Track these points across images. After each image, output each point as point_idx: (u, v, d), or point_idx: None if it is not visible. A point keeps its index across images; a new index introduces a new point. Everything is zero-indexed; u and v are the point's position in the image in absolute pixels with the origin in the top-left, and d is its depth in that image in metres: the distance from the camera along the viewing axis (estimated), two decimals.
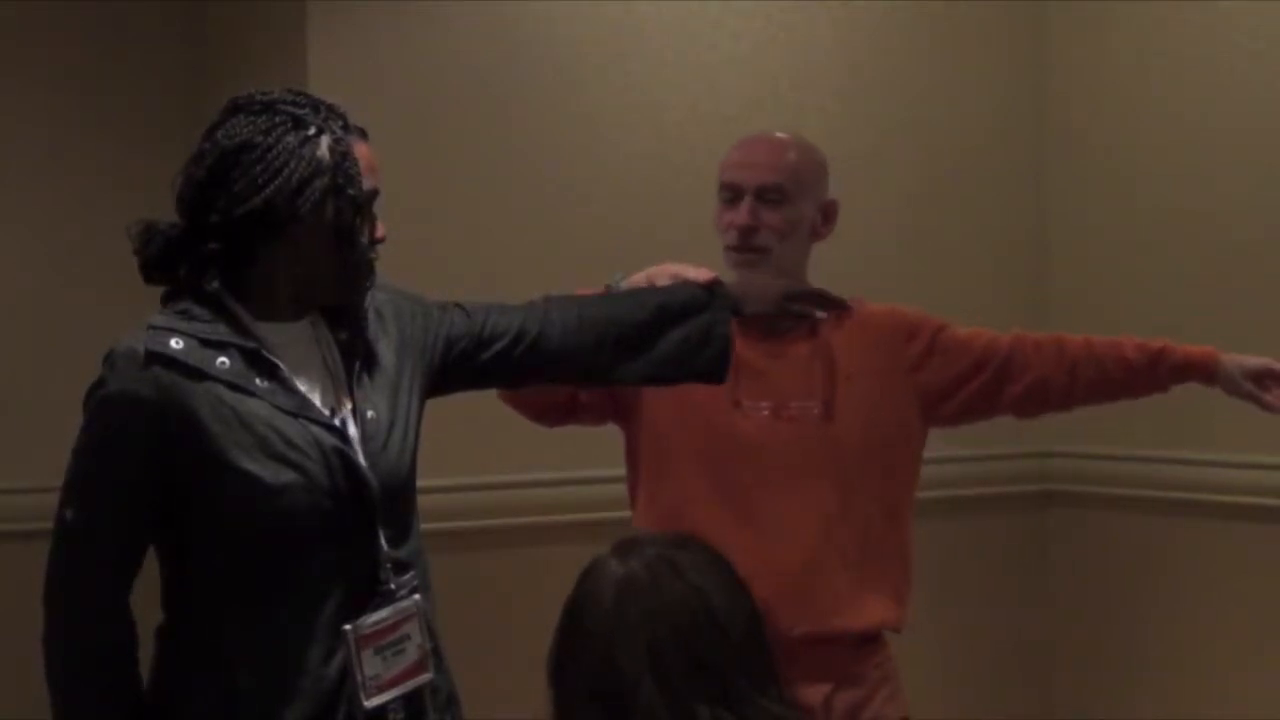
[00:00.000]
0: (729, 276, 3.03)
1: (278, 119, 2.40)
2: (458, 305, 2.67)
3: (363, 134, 2.48)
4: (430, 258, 3.79)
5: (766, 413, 3.07)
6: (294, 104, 2.43)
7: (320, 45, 3.96)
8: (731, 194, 3.11)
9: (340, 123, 2.44)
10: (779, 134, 3.22)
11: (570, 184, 4.18)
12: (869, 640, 3.15)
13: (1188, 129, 4.31)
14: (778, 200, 3.09)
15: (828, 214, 3.17)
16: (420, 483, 2.60)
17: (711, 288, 2.74)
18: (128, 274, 2.52)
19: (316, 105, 2.44)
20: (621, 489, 4.03)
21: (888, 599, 3.14)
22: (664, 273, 2.80)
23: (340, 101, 2.50)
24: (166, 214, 2.49)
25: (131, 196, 4.37)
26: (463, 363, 2.63)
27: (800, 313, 2.84)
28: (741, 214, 3.09)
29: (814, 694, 3.07)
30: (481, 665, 3.84)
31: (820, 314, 2.83)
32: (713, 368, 2.74)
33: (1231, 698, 4.21)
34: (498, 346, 2.65)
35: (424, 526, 2.60)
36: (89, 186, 4.42)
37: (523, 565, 4.04)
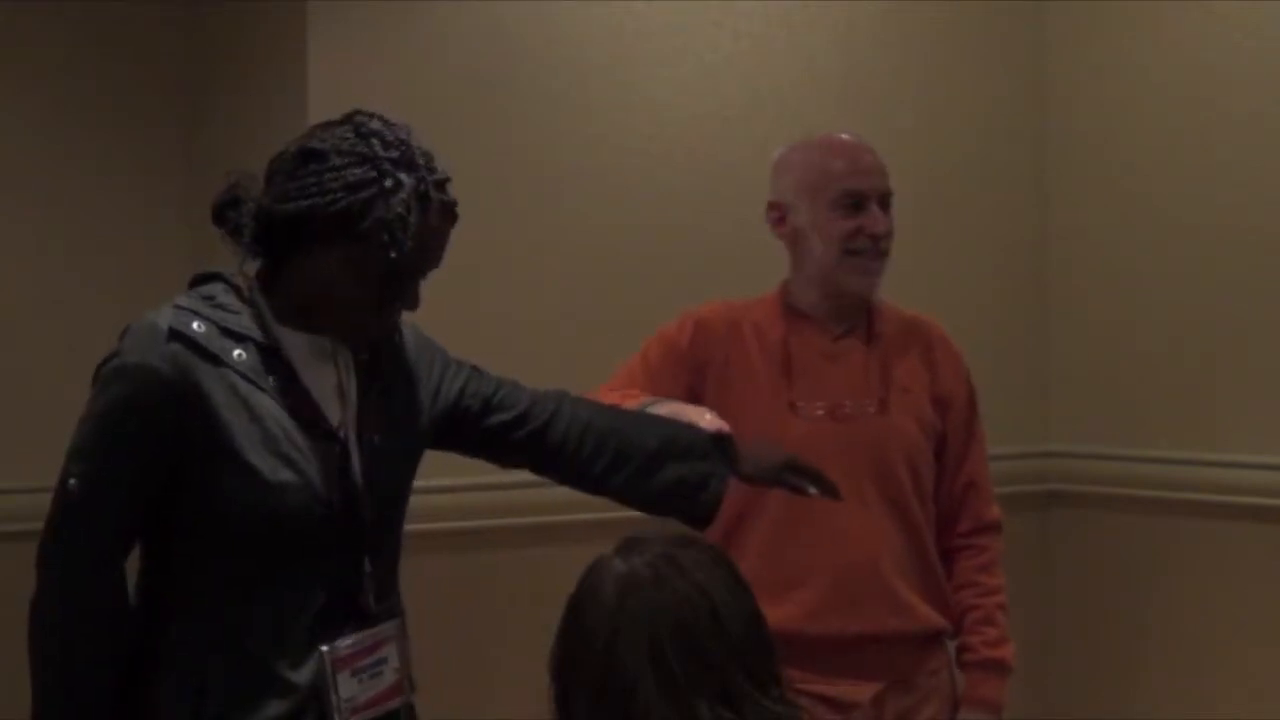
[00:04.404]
0: (844, 283, 3.08)
1: (363, 148, 2.36)
2: (473, 366, 2.68)
3: (451, 213, 2.43)
4: None
5: (821, 413, 3.08)
6: (394, 145, 2.38)
7: (320, 45, 3.95)
8: (854, 200, 3.10)
9: (425, 189, 2.37)
10: (850, 136, 3.20)
11: (570, 184, 4.18)
12: (926, 643, 3.16)
13: (1188, 129, 4.30)
14: (888, 204, 3.11)
15: None
16: (420, 483, 2.60)
17: (716, 440, 2.76)
18: (128, 274, 2.53)
19: (414, 163, 2.38)
20: None
21: (938, 602, 3.16)
22: (682, 414, 2.82)
23: (340, 102, 2.49)
24: (166, 214, 2.49)
25: (130, 197, 4.39)
26: (466, 421, 2.64)
27: (794, 486, 2.83)
28: (882, 220, 3.10)
29: (863, 691, 3.08)
30: (482, 665, 3.85)
31: (812, 491, 2.83)
32: (699, 514, 2.75)
33: (1232, 698, 4.21)
34: (502, 417, 2.66)
35: (424, 526, 2.61)
36: (87, 187, 4.42)
37: (523, 565, 4.04)
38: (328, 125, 2.42)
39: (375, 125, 2.40)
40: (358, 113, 2.43)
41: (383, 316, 2.44)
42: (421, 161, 2.39)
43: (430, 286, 2.67)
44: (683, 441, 2.74)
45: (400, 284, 2.41)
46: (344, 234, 2.35)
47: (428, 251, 2.41)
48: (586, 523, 3.99)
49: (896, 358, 3.15)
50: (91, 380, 2.40)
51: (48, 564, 2.39)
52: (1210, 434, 4.26)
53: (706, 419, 2.80)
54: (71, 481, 2.37)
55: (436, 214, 2.40)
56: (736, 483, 3.08)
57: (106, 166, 4.43)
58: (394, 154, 2.37)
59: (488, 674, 3.82)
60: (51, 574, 2.39)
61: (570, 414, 2.69)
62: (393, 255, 2.35)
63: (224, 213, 2.43)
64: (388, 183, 2.35)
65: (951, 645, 3.20)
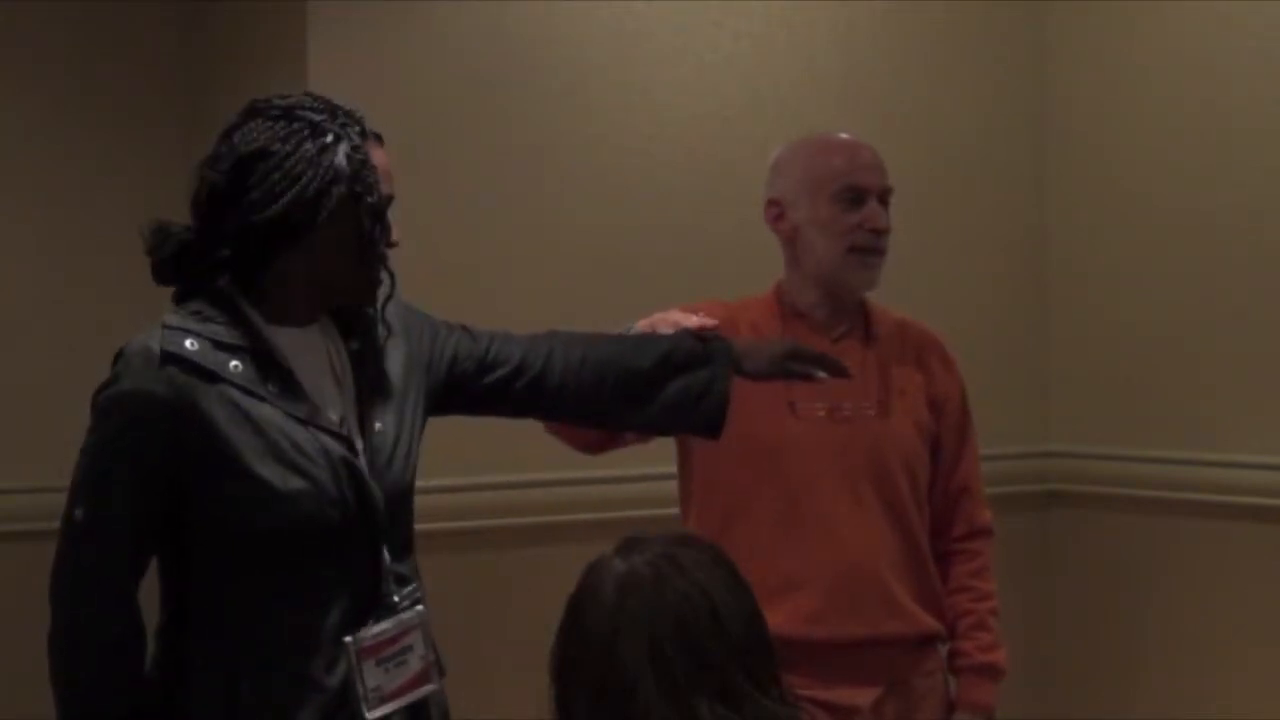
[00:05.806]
0: (845, 279, 3.08)
1: (295, 125, 2.38)
2: (463, 327, 2.67)
3: (378, 139, 2.47)
4: (429, 258, 3.79)
5: (821, 414, 3.08)
6: (312, 109, 2.41)
7: (320, 45, 3.95)
8: (855, 195, 3.10)
9: (357, 128, 2.43)
10: (848, 135, 3.21)
11: (570, 184, 4.18)
12: (921, 645, 3.16)
13: (1188, 129, 4.30)
14: (887, 201, 3.12)
15: None
16: (420, 483, 2.60)
17: (713, 343, 2.74)
18: (129, 274, 2.53)
19: (334, 110, 2.43)
20: (621, 489, 4.03)
21: (932, 605, 3.17)
22: (667, 320, 2.81)
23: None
24: (167, 214, 2.48)
25: (132, 197, 4.39)
26: (464, 385, 2.63)
27: (802, 374, 2.82)
28: (882, 215, 3.10)
29: (863, 696, 3.08)
30: (482, 665, 3.85)
31: (821, 375, 2.82)
32: (708, 422, 2.74)
33: (1232, 698, 4.21)
34: (499, 373, 2.65)
35: (424, 526, 2.60)
36: (90, 187, 4.42)
37: (523, 565, 4.04)
38: (236, 129, 2.41)
39: (282, 101, 2.43)
40: (255, 101, 2.45)
41: (377, 263, 2.45)
42: (339, 105, 2.44)
43: (431, 286, 2.68)
44: (680, 354, 2.71)
45: (380, 224, 2.42)
46: (325, 206, 2.36)
47: (384, 183, 2.44)
48: (586, 523, 4.00)
49: (893, 360, 3.15)
50: (90, 407, 2.39)
51: (60, 600, 2.38)
52: (1210, 434, 4.26)
53: (693, 320, 2.79)
54: (78, 512, 2.35)
55: (375, 146, 2.45)
56: (725, 482, 3.08)
57: (106, 166, 4.44)
58: (320, 114, 2.41)
59: (488, 674, 3.81)
60: (62, 602, 2.38)
61: (564, 353, 2.69)
62: (371, 200, 2.39)
63: (177, 264, 2.41)
64: (329, 138, 2.38)
65: (944, 649, 3.21)
